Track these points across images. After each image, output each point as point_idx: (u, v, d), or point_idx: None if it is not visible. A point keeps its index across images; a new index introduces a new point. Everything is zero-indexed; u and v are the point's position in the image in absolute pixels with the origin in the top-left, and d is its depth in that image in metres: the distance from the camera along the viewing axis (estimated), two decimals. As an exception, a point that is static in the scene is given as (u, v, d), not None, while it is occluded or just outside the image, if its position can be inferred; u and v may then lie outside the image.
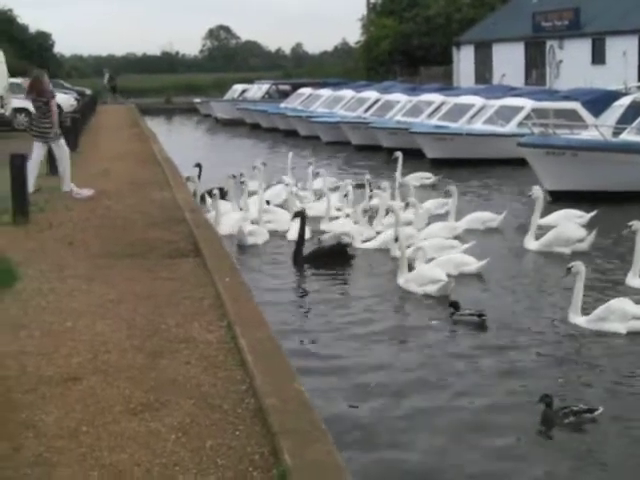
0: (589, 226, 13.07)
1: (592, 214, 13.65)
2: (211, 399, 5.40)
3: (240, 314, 6.98)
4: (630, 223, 10.57)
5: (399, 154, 18.97)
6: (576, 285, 8.98)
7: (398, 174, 18.90)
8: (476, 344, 8.55)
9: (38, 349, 6.39)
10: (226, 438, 4.85)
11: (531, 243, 12.45)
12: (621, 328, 8.67)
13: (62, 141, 14.82)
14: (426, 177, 20.03)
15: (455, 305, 9.22)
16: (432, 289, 10.11)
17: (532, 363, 8.02)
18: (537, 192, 12.85)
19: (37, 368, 5.99)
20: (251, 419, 5.09)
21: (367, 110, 31.79)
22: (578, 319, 8.93)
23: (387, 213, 13.86)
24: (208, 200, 15.20)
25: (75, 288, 8.20)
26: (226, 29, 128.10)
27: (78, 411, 5.26)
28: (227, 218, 13.98)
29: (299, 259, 11.81)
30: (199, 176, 16.76)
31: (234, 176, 15.93)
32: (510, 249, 12.84)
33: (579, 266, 9.02)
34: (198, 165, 17.08)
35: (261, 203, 14.40)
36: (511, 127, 23.37)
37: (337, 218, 14.34)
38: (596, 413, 6.58)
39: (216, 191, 14.08)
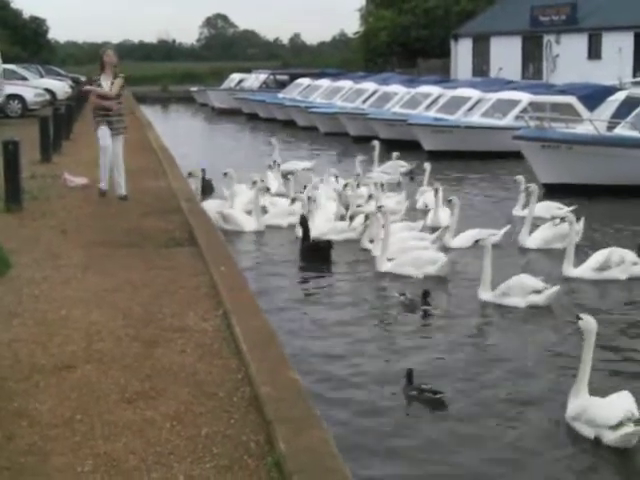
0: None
1: (571, 208, 13.56)
2: (206, 387, 5.40)
3: (235, 303, 6.97)
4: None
5: (376, 143, 19.24)
6: (484, 261, 9.31)
7: (375, 163, 18.89)
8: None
9: (32, 337, 6.36)
10: (221, 426, 4.85)
11: (527, 240, 12.34)
12: (521, 302, 9.02)
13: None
14: (400, 165, 19.68)
15: (425, 294, 9.41)
16: (431, 269, 10.31)
17: (422, 341, 8.26)
18: (533, 187, 12.86)
19: (31, 356, 5.97)
20: (246, 407, 5.09)
21: (365, 101, 31.70)
22: (486, 294, 9.26)
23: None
24: (225, 190, 15.02)
25: (69, 277, 8.17)
26: (223, 18, 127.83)
27: (72, 400, 5.24)
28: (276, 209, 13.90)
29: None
30: (203, 179, 15.99)
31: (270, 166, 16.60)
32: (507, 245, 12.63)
33: (486, 241, 9.40)
34: (202, 170, 16.34)
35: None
36: (508, 120, 23.35)
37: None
38: (438, 396, 6.72)
39: (260, 183, 13.48)
